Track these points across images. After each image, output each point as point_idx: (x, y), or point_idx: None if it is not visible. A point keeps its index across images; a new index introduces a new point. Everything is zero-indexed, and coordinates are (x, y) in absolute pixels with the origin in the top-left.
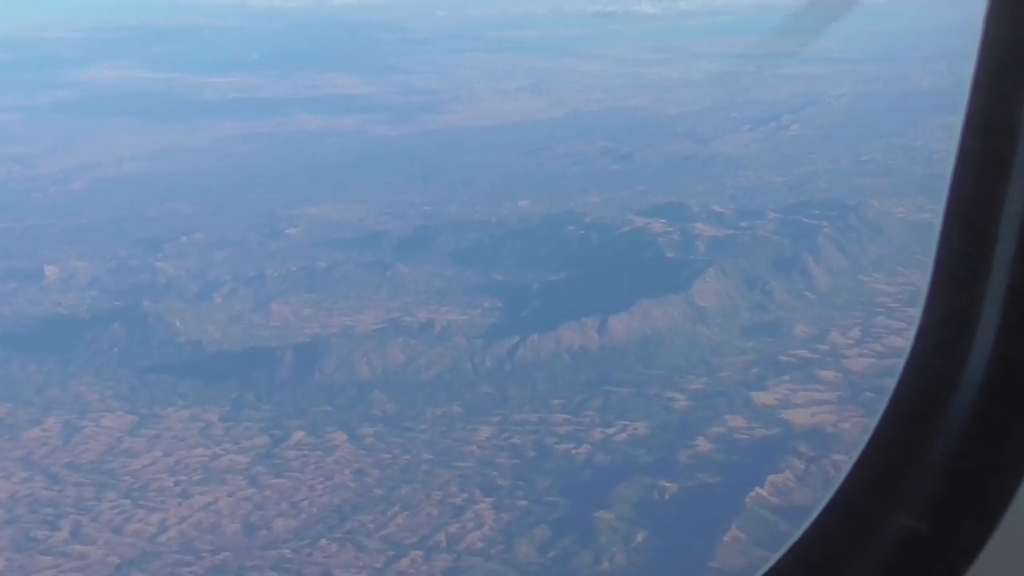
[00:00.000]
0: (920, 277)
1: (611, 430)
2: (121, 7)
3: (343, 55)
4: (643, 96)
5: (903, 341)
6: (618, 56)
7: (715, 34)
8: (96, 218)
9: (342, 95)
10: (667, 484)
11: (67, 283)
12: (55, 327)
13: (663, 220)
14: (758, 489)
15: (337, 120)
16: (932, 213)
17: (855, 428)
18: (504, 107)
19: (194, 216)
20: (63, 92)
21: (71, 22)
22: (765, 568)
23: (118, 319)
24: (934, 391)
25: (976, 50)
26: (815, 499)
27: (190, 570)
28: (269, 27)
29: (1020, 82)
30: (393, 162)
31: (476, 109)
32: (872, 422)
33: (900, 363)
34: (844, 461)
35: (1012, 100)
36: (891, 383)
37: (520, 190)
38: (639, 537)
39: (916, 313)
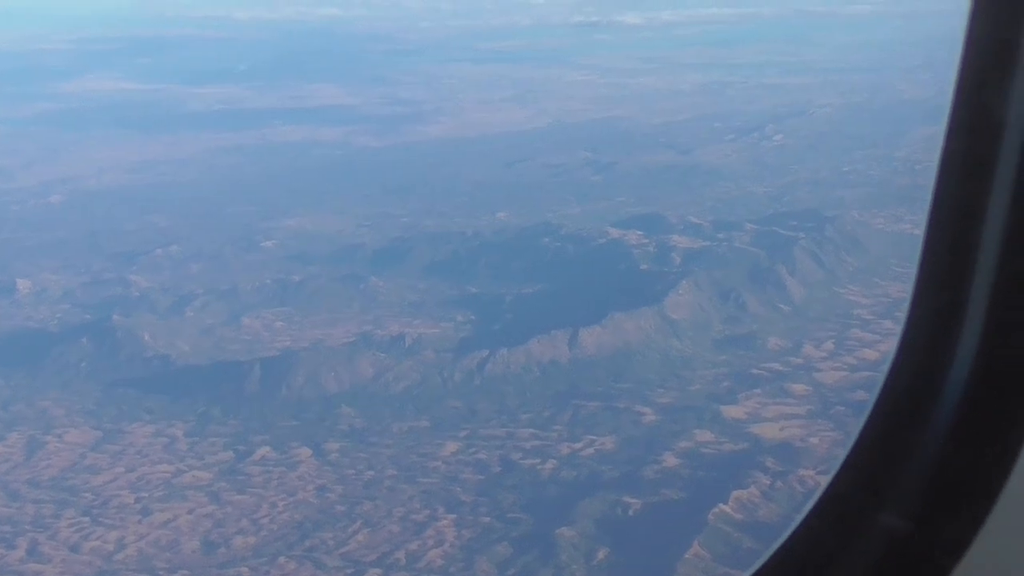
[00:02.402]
0: (897, 288)
1: (578, 445)
2: (109, 19)
3: (329, 66)
4: (627, 106)
5: (876, 354)
6: (603, 66)
7: (701, 44)
8: (73, 231)
9: (326, 106)
10: (631, 500)
11: (39, 297)
12: (24, 341)
13: (639, 232)
14: (721, 505)
15: (320, 131)
16: (912, 224)
17: (824, 443)
18: (488, 118)
19: (171, 229)
20: (47, 104)
21: (59, 34)
22: (753, 568)
23: (87, 333)
24: (920, 391)
25: (959, 53)
26: (779, 515)
27: None
28: (255, 38)
29: (1002, 84)
30: (374, 174)
31: (460, 120)
32: (857, 424)
33: (885, 366)
34: (811, 476)
35: (995, 101)
36: (864, 396)
37: (499, 201)
38: (600, 554)
39: (892, 325)
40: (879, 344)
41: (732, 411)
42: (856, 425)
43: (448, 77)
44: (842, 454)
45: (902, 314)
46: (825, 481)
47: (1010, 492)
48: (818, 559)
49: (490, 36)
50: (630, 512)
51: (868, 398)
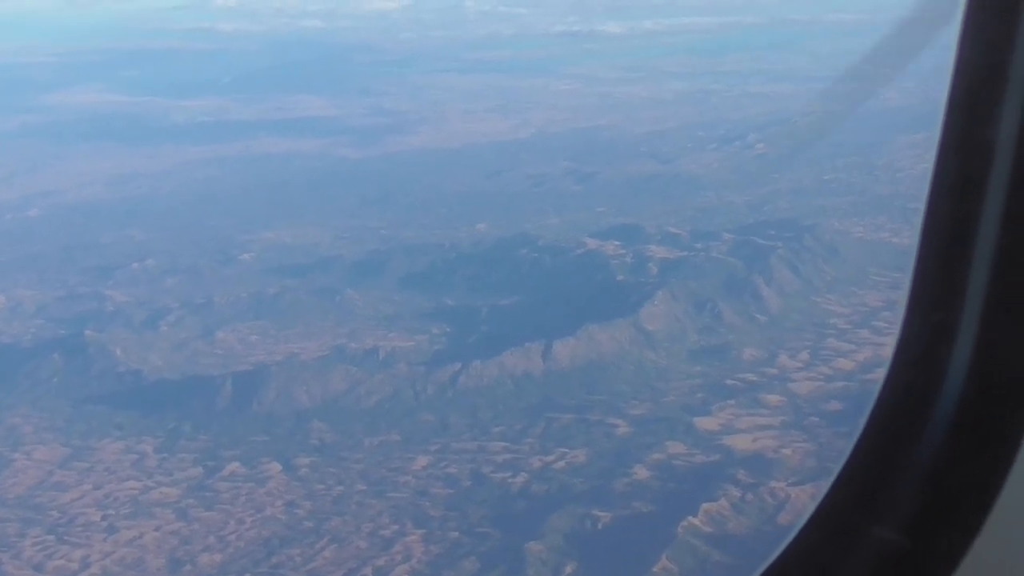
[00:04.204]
0: (874, 297)
1: (550, 458)
2: (94, 32)
3: (313, 77)
4: (611, 115)
5: (852, 364)
6: (587, 76)
7: (684, 53)
8: (49, 245)
9: (311, 117)
10: (601, 513)
11: (13, 312)
12: None
13: (617, 242)
14: (691, 518)
15: (303, 143)
16: (891, 232)
17: (796, 454)
18: (471, 128)
19: (148, 242)
20: (30, 116)
21: (44, 47)
22: None
23: (60, 349)
24: (913, 406)
25: (950, 72)
26: (749, 528)
27: None
28: (241, 50)
29: (994, 103)
30: (354, 185)
31: (443, 130)
32: (851, 438)
33: (879, 380)
34: (782, 488)
35: (986, 121)
36: (838, 406)
37: (479, 212)
38: (568, 569)
39: (869, 334)
40: (855, 354)
41: (705, 423)
42: (850, 439)
43: (432, 87)
44: (836, 468)
45: (893, 329)
46: (820, 495)
47: (1003, 504)
48: (813, 573)
49: (475, 46)
50: (599, 526)
51: (847, 410)
